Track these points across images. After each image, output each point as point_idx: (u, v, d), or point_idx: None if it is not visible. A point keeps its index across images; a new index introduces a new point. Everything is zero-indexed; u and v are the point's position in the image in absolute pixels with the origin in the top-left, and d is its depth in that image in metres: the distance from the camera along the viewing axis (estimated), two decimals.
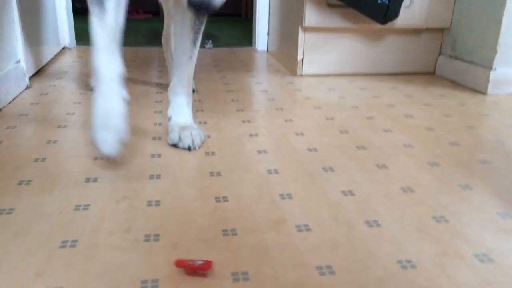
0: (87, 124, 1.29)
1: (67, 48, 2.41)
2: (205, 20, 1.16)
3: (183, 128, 1.17)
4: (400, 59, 2.02)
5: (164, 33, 1.67)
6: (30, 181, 0.96)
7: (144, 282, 0.67)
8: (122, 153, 0.99)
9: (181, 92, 1.19)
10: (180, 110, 1.20)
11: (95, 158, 1.07)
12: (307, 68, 1.96)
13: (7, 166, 1.02)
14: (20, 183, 0.94)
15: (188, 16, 1.13)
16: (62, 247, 0.74)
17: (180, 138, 1.14)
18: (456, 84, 1.88)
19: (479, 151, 1.19)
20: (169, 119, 1.20)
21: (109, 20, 0.96)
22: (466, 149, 1.20)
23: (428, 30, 1.97)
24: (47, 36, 2.03)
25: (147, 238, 0.77)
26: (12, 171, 1.00)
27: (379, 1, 1.69)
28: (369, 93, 1.72)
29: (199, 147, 1.14)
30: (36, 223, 0.80)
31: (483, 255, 0.76)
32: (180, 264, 0.69)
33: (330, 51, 1.95)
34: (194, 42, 1.16)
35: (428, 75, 2.04)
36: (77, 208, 0.86)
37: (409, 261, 0.73)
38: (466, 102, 1.64)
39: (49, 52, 2.07)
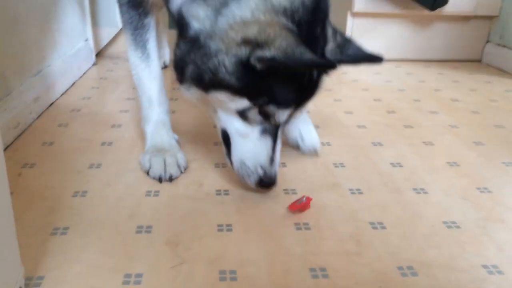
0: None
1: None
2: None
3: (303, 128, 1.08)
4: (447, 46, 2.05)
5: None
6: (111, 142, 1.08)
7: (220, 225, 0.78)
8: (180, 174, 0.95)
9: None
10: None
11: None
12: None
13: (90, 130, 1.15)
14: (103, 144, 1.07)
15: None
16: (147, 195, 0.86)
17: (302, 137, 1.07)
18: (503, 72, 1.90)
19: None
20: None
21: (154, 64, 1.00)
22: (511, 131, 1.25)
23: (476, 17, 1.99)
24: (107, 17, 2.17)
25: (218, 192, 0.88)
26: (94, 133, 1.13)
27: None
28: (415, 78, 1.77)
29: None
30: (121, 176, 0.93)
31: None
32: (292, 207, 0.82)
33: (377, 36, 2.00)
34: None
35: (475, 62, 2.06)
36: None
37: (453, 222, 0.81)
38: None
39: (109, 32, 2.21)
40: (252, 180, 0.83)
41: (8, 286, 0.54)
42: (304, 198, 0.83)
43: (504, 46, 1.95)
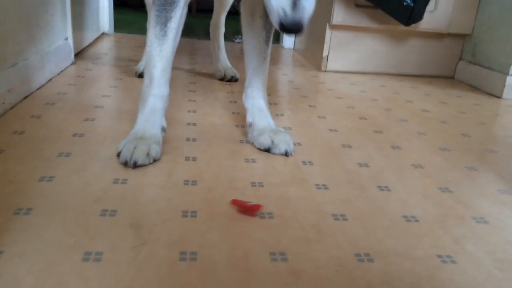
0: (127, 95, 1.42)
1: (106, 34, 2.56)
2: None
3: (274, 132, 1.09)
4: (421, 62, 2.12)
5: (212, 22, 1.77)
6: (83, 134, 1.09)
7: (184, 211, 0.79)
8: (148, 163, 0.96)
9: (259, 95, 1.15)
10: (262, 114, 1.14)
11: None
12: (331, 64, 2.07)
13: (62, 122, 1.15)
14: (74, 135, 1.07)
15: (258, 15, 1.12)
16: (115, 182, 0.87)
17: (273, 142, 1.07)
18: (473, 88, 1.96)
19: (487, 143, 1.28)
20: (250, 125, 1.14)
21: (168, 43, 1.01)
22: (476, 140, 1.30)
23: (450, 35, 2.07)
24: (90, 21, 2.18)
25: (186, 183, 0.89)
26: (66, 126, 1.13)
27: (404, 3, 1.79)
28: (389, 90, 1.82)
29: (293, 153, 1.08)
30: (90, 165, 0.93)
31: (480, 218, 0.85)
32: (234, 202, 0.81)
33: (354, 49, 2.06)
34: (267, 42, 1.15)
35: (447, 78, 2.13)
36: None
37: (413, 217, 0.84)
38: (481, 103, 1.73)
39: (91, 35, 2.22)
40: (273, 21, 0.82)
41: None
42: (252, 203, 0.82)
43: (475, 64, 2.01)
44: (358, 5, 1.92)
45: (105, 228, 0.72)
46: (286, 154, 1.06)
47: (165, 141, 1.06)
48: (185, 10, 1.04)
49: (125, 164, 0.93)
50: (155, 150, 0.97)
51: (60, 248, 0.66)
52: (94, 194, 0.82)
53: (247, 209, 0.80)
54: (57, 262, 0.63)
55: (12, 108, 1.21)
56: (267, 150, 1.07)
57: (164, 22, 1.00)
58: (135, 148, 0.95)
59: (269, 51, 1.17)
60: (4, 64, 1.21)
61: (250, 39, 1.15)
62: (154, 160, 0.97)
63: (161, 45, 1.01)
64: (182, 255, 0.67)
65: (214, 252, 0.68)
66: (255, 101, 1.16)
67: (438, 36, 2.07)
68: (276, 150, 1.07)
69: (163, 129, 1.05)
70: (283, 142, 1.07)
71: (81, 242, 0.68)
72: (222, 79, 1.73)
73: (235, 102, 1.46)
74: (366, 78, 2.01)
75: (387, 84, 1.93)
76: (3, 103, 1.17)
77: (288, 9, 0.79)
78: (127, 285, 0.60)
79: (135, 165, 0.93)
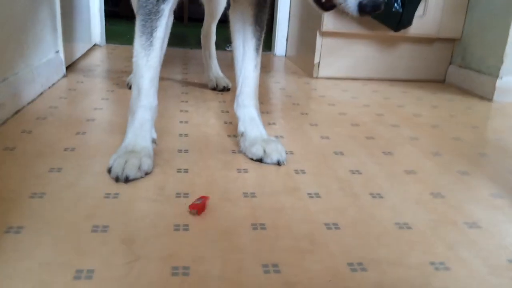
0: (119, 107, 1.42)
1: (98, 45, 2.56)
2: (264, 26, 1.15)
3: (266, 141, 1.09)
4: (412, 66, 2.13)
5: (203, 31, 1.77)
6: (74, 148, 1.08)
7: (176, 225, 0.78)
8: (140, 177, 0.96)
9: (250, 104, 1.15)
10: (254, 123, 1.13)
11: None
12: (323, 71, 2.08)
13: (53, 137, 1.15)
14: (65, 149, 1.07)
15: (248, 23, 1.12)
16: (107, 197, 0.86)
17: (265, 152, 1.07)
18: (464, 92, 1.97)
19: (479, 146, 1.29)
20: (242, 134, 1.13)
21: (155, 53, 1.01)
22: (468, 143, 1.30)
23: (439, 39, 2.08)
24: (81, 33, 2.18)
25: (178, 195, 0.89)
26: (58, 140, 1.12)
27: (393, 9, 1.80)
28: (380, 95, 1.83)
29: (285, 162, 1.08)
30: (82, 179, 0.93)
31: (473, 223, 0.86)
32: (192, 207, 0.82)
33: (345, 55, 2.07)
34: (257, 50, 1.15)
35: (438, 82, 2.14)
36: None
37: (405, 224, 0.84)
38: (472, 106, 1.74)
39: (82, 47, 2.22)
40: (351, 7, 0.81)
41: None
42: (200, 200, 0.84)
43: (465, 67, 2.03)
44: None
45: (97, 245, 0.72)
46: (279, 163, 1.06)
47: (156, 152, 1.06)
48: (171, 19, 1.03)
49: (117, 179, 0.93)
50: (146, 163, 0.97)
51: (52, 266, 0.65)
52: (85, 210, 0.81)
53: (201, 207, 0.83)
54: (48, 281, 0.63)
55: (3, 124, 1.21)
56: (260, 160, 1.07)
57: (149, 32, 1.00)
58: (126, 162, 0.94)
59: (259, 59, 1.17)
60: None
61: (241, 47, 1.15)
62: (146, 174, 0.96)
63: (148, 55, 1.01)
64: (174, 270, 0.66)
65: (206, 266, 0.68)
66: (246, 110, 1.16)
67: (428, 40, 2.08)
68: (268, 160, 1.06)
69: (154, 141, 1.05)
70: (275, 152, 1.07)
71: (73, 259, 0.67)
72: (214, 88, 1.73)
73: (227, 111, 1.46)
74: (358, 84, 2.02)
75: (379, 89, 1.94)
76: None
77: None
78: None
79: (127, 180, 0.92)
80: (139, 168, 0.95)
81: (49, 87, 1.61)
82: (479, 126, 1.48)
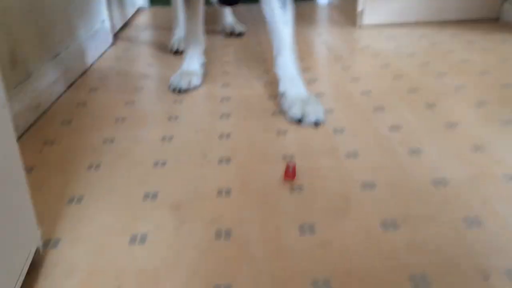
0: (165, 76, 1.48)
1: (142, 8, 2.61)
2: None
3: (305, 102, 1.11)
4: (463, 6, 2.01)
5: None
6: (124, 118, 1.16)
7: (219, 190, 0.84)
8: (190, 89, 1.33)
9: (287, 63, 1.18)
10: (293, 83, 1.16)
11: (175, 101, 1.26)
12: (367, 19, 2.01)
13: (105, 108, 1.23)
14: (116, 120, 1.15)
15: None
16: (155, 165, 0.93)
17: (304, 112, 1.09)
18: None
19: None
20: (283, 94, 1.16)
21: (197, 4, 1.34)
22: None
23: None
24: None
25: (220, 161, 0.94)
26: (109, 111, 1.20)
27: None
28: (428, 41, 1.76)
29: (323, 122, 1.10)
30: (133, 149, 1.00)
31: (511, 174, 0.85)
32: (286, 176, 0.86)
33: (389, 0, 1.99)
34: (284, 4, 1.16)
35: (492, 21, 2.02)
36: (163, 138, 1.04)
37: (443, 179, 0.85)
38: None
39: (127, 13, 2.28)
40: None
41: (25, 245, 0.62)
42: (290, 169, 0.87)
43: None
44: None
45: (148, 210, 0.79)
46: (316, 124, 1.09)
47: (198, 119, 1.11)
48: None
49: (173, 90, 1.31)
50: (195, 80, 1.34)
51: (110, 231, 0.74)
52: (137, 178, 0.89)
53: (294, 174, 0.87)
54: (107, 245, 0.71)
55: (59, 97, 1.30)
56: (299, 121, 1.10)
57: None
58: (180, 79, 1.32)
59: (289, 13, 1.17)
60: (47, 55, 1.29)
61: (267, 7, 1.17)
62: (194, 87, 1.33)
63: (192, 3, 1.34)
64: (218, 233, 0.73)
65: (247, 228, 0.74)
66: (286, 70, 1.18)
67: None
68: (306, 121, 1.09)
69: (202, 65, 1.40)
70: (313, 113, 1.09)
71: (128, 225, 0.75)
72: (229, 34, 1.94)
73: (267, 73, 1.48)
74: (404, 30, 1.95)
75: (427, 34, 1.86)
76: (50, 94, 1.26)
77: None
78: (169, 264, 0.67)
79: (180, 91, 1.31)
80: (190, 82, 1.32)
81: (98, 58, 1.69)
82: None
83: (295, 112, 1.10)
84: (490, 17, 2.03)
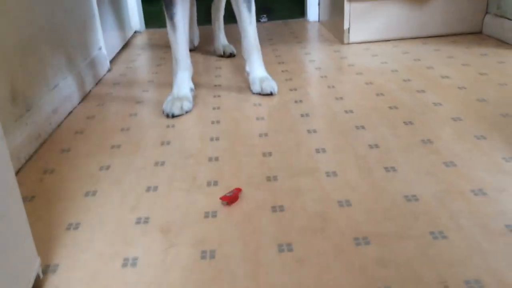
0: (159, 100, 1.55)
1: (138, 32, 2.70)
2: None
3: (262, 79, 1.52)
4: (446, 20, 2.09)
5: (213, 6, 2.06)
6: (119, 145, 1.23)
7: (206, 213, 0.91)
8: (184, 114, 1.41)
9: (252, 50, 1.53)
10: (255, 65, 1.54)
11: (168, 126, 1.33)
12: (353, 36, 2.09)
13: (101, 135, 1.30)
14: (112, 147, 1.22)
15: None
16: (147, 191, 1.00)
17: (261, 88, 1.51)
18: (501, 43, 1.93)
19: (503, 106, 1.30)
20: (248, 74, 1.56)
21: (179, 35, 1.43)
22: (492, 104, 1.32)
23: None
24: (120, 23, 2.32)
25: (209, 184, 1.01)
26: (105, 139, 1.27)
27: None
28: (411, 57, 1.84)
29: (277, 92, 1.50)
30: (127, 175, 1.07)
31: (479, 190, 0.91)
32: (222, 199, 0.93)
33: (375, 18, 2.07)
34: (249, 8, 1.49)
35: (474, 34, 2.09)
36: (156, 164, 1.11)
37: (414, 196, 0.91)
38: (507, 60, 1.71)
39: (123, 37, 2.36)
40: None
41: (26, 273, 0.69)
42: (232, 192, 0.95)
43: (501, 17, 1.97)
44: None
45: (140, 235, 0.85)
46: (271, 94, 1.50)
47: (189, 142, 1.18)
48: (186, 3, 1.41)
49: (167, 116, 1.38)
50: (186, 105, 1.41)
51: (104, 256, 0.80)
52: (130, 204, 0.95)
53: (232, 198, 0.93)
54: (102, 269, 0.77)
55: (58, 126, 1.37)
56: (258, 93, 1.52)
57: (171, 17, 1.41)
58: (172, 105, 1.39)
59: (252, 15, 1.50)
60: (46, 87, 1.36)
61: (238, 8, 1.50)
62: (186, 112, 1.41)
63: (175, 34, 1.43)
64: (203, 254, 0.79)
65: (230, 248, 0.80)
66: (250, 55, 1.54)
67: None
68: (263, 92, 1.51)
69: (192, 90, 1.48)
70: (268, 87, 1.50)
71: (121, 249, 0.82)
72: (221, 55, 2.04)
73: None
74: (389, 46, 2.02)
75: (410, 50, 1.94)
76: (50, 123, 1.33)
77: None
78: (159, 284, 0.73)
79: (173, 116, 1.38)
80: (181, 108, 1.39)
81: (96, 84, 1.77)
82: (508, 83, 1.47)
83: (256, 87, 1.52)
84: (473, 31, 2.11)
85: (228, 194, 0.95)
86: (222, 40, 2.07)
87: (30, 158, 1.18)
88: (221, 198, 0.94)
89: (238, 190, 0.97)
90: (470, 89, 1.45)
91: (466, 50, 1.87)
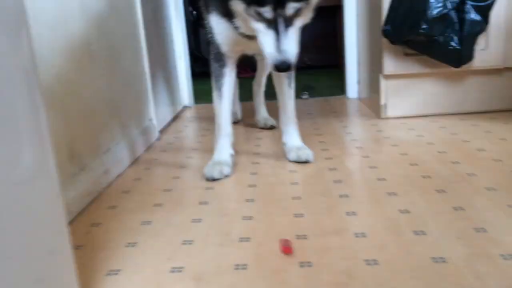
0: (202, 165, 1.65)
1: (187, 106, 2.89)
2: (292, 75, 1.63)
3: (298, 148, 1.61)
4: (483, 98, 2.13)
5: (255, 82, 2.22)
6: (161, 204, 1.31)
7: (236, 265, 0.95)
8: (223, 178, 1.48)
9: (289, 122, 1.65)
10: (292, 136, 1.65)
11: (207, 188, 1.41)
12: (390, 111, 2.16)
13: (146, 194, 1.39)
14: (155, 205, 1.30)
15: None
16: (183, 244, 1.06)
17: (298, 155, 1.58)
18: None
19: None
20: (284, 144, 1.65)
21: (224, 103, 1.55)
22: None
23: (507, 68, 2.07)
24: (171, 98, 2.51)
25: (241, 240, 1.06)
26: (148, 198, 1.36)
27: (449, 47, 1.87)
28: (448, 131, 1.87)
29: (312, 160, 1.58)
30: (166, 230, 1.14)
31: (509, 255, 0.91)
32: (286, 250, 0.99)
33: (412, 94, 2.14)
34: (289, 84, 1.62)
35: None
36: (193, 221, 1.18)
37: (441, 258, 0.92)
38: None
39: (173, 110, 2.55)
40: (269, 64, 1.23)
41: None
42: (287, 243, 1.00)
43: None
44: (407, 54, 2.03)
45: (174, 283, 0.90)
46: (307, 162, 1.57)
47: (226, 203, 1.25)
48: (233, 73, 1.56)
49: (207, 179, 1.46)
50: (226, 170, 1.50)
51: None
52: (167, 255, 1.01)
53: (288, 249, 0.98)
54: None
55: (107, 186, 1.49)
56: (295, 161, 1.59)
57: (219, 88, 1.55)
58: (213, 169, 1.48)
59: (292, 91, 1.63)
60: (99, 150, 1.50)
61: (278, 84, 1.64)
62: (226, 176, 1.48)
63: (220, 103, 1.55)
64: None
65: None
66: (287, 126, 1.66)
67: (495, 71, 2.09)
68: (300, 160, 1.58)
69: (232, 155, 1.57)
70: (304, 155, 1.58)
71: None
72: (263, 128, 2.15)
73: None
74: (426, 121, 2.07)
75: (447, 125, 1.97)
76: (100, 184, 1.45)
77: (274, 53, 1.20)
78: None
79: (213, 179, 1.46)
80: (221, 172, 1.47)
81: (145, 150, 1.90)
82: None
83: (292, 155, 1.60)
84: (510, 108, 2.13)
85: (286, 245, 1.00)
86: (263, 113, 2.20)
87: (81, 212, 1.28)
88: (284, 251, 0.99)
89: (288, 241, 1.02)
90: (506, 161, 1.46)
91: (504, 125, 1.89)
